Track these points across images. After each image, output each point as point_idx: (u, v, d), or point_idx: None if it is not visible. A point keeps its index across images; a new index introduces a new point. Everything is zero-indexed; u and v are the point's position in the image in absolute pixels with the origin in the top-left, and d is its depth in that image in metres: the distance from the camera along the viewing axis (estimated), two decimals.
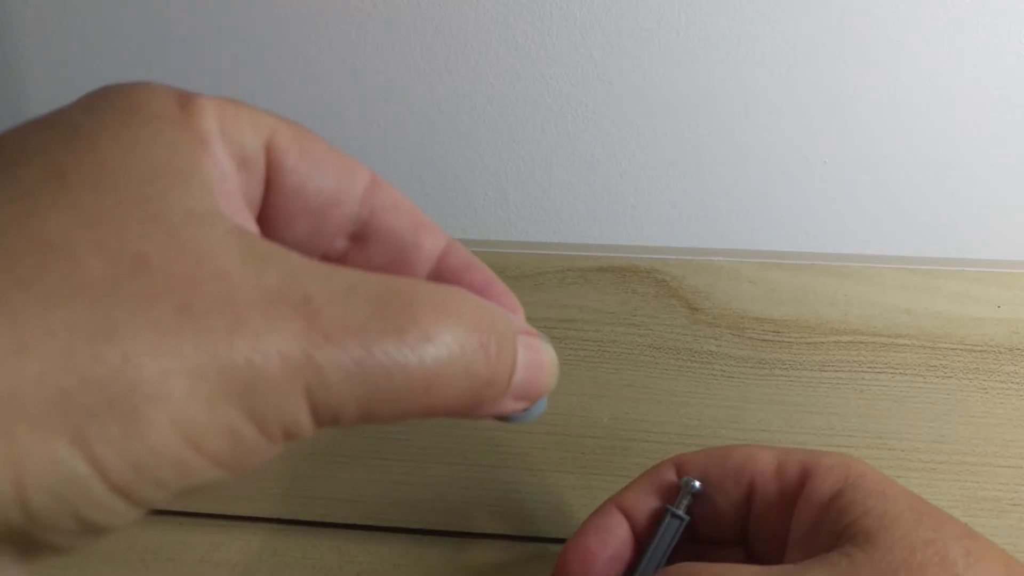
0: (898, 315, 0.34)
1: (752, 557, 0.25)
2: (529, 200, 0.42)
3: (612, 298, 0.35)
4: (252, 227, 0.18)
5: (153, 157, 0.15)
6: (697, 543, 0.26)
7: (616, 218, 0.42)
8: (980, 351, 0.33)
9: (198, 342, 0.13)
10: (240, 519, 0.41)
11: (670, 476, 0.26)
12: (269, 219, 0.18)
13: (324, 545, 0.41)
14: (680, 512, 0.25)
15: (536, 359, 0.19)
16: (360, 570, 0.40)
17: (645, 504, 0.26)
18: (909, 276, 0.35)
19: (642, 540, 0.25)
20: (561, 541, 0.40)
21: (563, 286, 0.35)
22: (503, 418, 0.19)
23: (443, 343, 0.15)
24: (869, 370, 0.33)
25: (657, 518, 0.25)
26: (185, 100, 0.16)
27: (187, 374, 0.13)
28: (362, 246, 0.20)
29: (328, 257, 0.20)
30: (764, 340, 0.34)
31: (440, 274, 0.20)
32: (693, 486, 0.25)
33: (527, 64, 0.39)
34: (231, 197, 0.17)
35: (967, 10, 0.36)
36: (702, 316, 0.33)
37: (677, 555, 0.25)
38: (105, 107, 0.15)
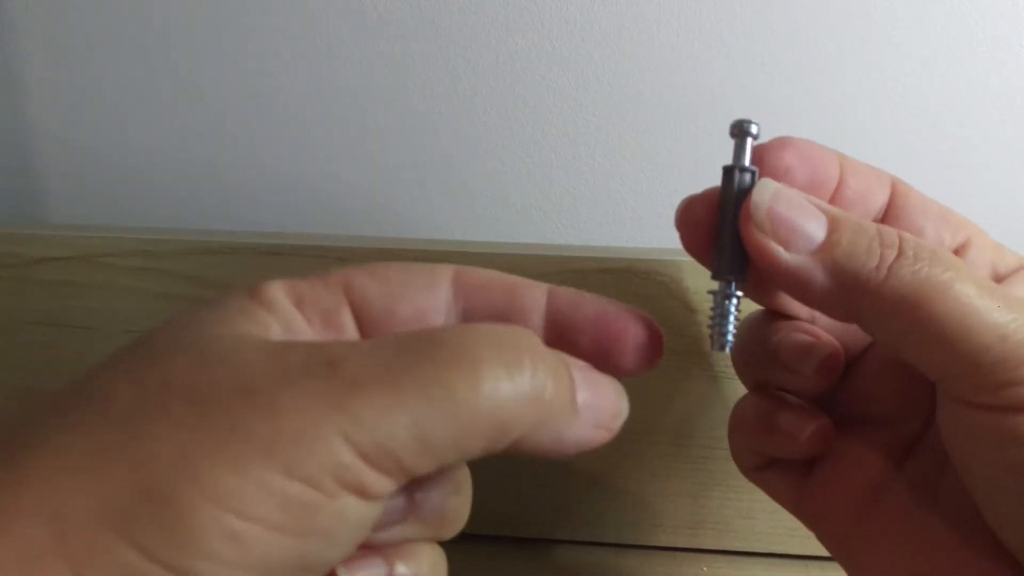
0: None
1: None
2: (529, 202, 0.42)
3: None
4: None
5: (204, 319, 0.17)
6: None
7: (616, 220, 0.42)
8: None
9: (216, 424, 0.14)
10: None
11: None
12: None
13: None
14: (734, 163, 0.21)
15: (594, 377, 0.19)
16: None
17: None
18: None
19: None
20: (560, 541, 0.40)
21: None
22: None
23: (471, 363, 0.15)
24: None
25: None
26: (256, 287, 0.18)
27: (214, 451, 0.14)
28: None
29: None
30: None
31: (552, 319, 0.21)
32: (743, 127, 0.21)
33: (527, 66, 0.39)
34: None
35: (968, 10, 0.37)
36: (701, 317, 0.33)
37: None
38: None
